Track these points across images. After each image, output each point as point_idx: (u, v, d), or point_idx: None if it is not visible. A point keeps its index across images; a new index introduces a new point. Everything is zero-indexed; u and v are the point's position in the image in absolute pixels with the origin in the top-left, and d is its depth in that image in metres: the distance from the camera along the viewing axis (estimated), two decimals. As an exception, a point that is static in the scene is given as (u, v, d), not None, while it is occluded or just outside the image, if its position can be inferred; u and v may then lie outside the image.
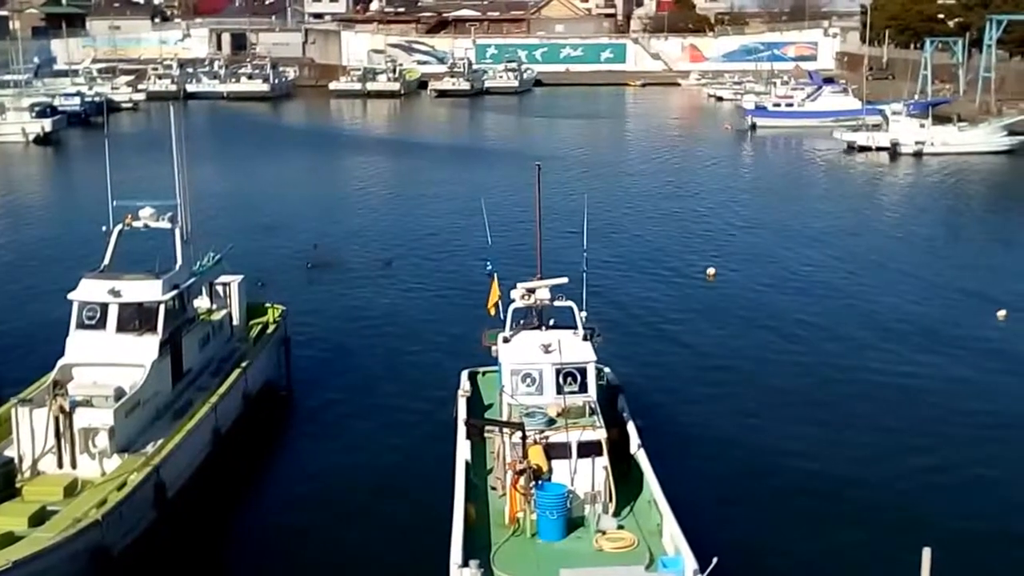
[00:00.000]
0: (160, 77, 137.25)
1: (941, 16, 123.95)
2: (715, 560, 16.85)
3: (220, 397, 25.63)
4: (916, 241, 51.56)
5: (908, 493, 23.95)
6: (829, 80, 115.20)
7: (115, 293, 24.51)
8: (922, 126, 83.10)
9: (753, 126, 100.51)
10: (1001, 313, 37.39)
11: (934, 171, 75.65)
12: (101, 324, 24.47)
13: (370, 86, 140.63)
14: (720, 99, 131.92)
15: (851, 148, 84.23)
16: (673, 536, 18.48)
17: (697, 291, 41.58)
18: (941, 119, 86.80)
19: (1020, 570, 20.87)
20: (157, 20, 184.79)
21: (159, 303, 24.69)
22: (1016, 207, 63.17)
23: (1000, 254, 48.79)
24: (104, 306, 24.51)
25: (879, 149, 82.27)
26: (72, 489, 21.26)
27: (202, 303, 28.69)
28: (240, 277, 30.21)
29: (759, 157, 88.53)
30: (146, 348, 24.19)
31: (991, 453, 26.13)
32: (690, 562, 17.34)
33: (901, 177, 74.74)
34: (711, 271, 43.86)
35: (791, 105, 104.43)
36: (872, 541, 21.64)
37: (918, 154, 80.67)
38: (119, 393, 22.92)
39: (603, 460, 20.23)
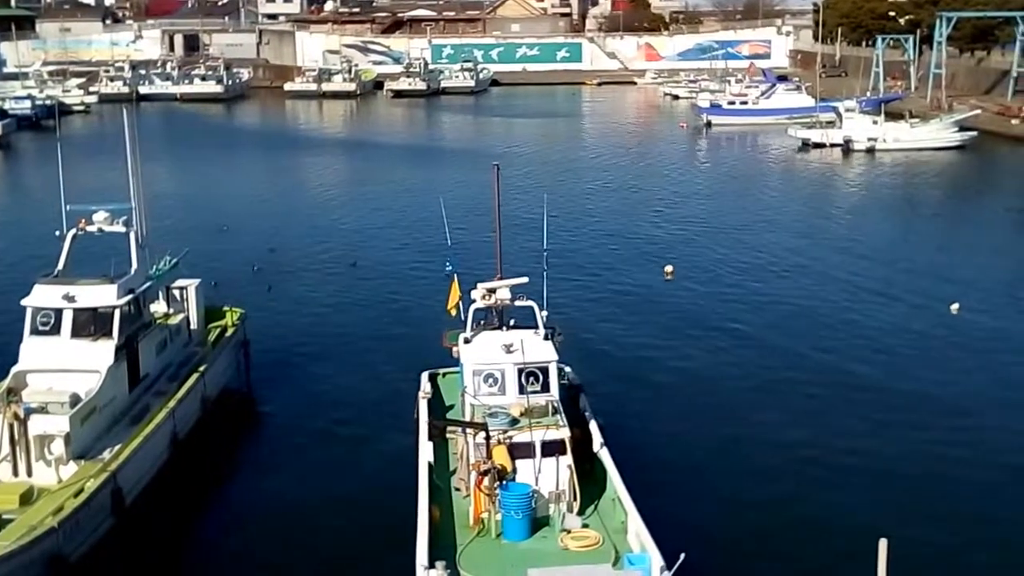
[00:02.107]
0: (112, 79, 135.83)
1: (892, 14, 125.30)
2: (682, 556, 16.86)
3: (178, 402, 25.37)
4: (870, 236, 52.03)
5: (867, 486, 24.16)
6: (783, 78, 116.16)
7: (69, 298, 24.25)
8: (875, 123, 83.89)
9: (708, 124, 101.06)
10: (955, 306, 37.80)
11: (887, 167, 76.50)
12: (55, 330, 24.21)
13: (325, 87, 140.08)
14: (676, 97, 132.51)
15: (805, 145, 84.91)
16: (638, 533, 18.51)
17: (656, 289, 41.71)
18: (893, 116, 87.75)
19: (973, 559, 21.12)
20: (108, 22, 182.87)
21: (114, 308, 24.43)
22: (967, 202, 63.99)
23: (952, 248, 49.37)
24: (58, 311, 24.27)
25: (833, 146, 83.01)
26: (28, 497, 20.94)
27: (159, 307, 28.38)
28: (197, 280, 29.94)
29: (715, 155, 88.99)
30: (102, 353, 23.92)
31: (945, 444, 26.39)
32: (656, 559, 17.37)
33: (854, 173, 75.43)
34: (669, 269, 44.02)
35: (745, 103, 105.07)
36: (833, 533, 21.81)
37: (871, 150, 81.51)
38: (75, 399, 22.67)
39: (567, 459, 20.25)
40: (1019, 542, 21.70)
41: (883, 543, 15.66)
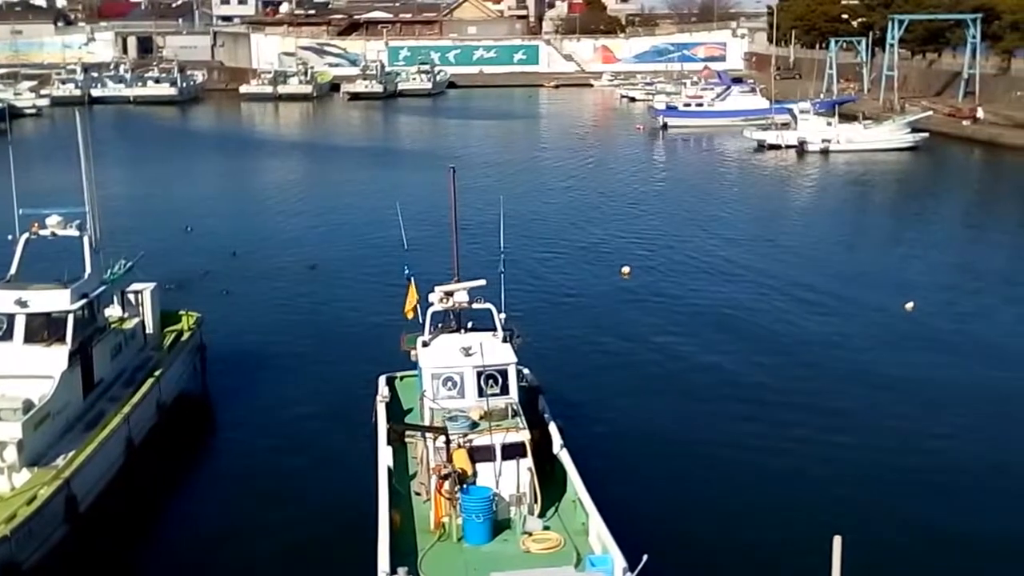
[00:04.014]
0: (64, 82, 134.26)
1: (845, 16, 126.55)
2: (645, 558, 16.88)
3: (133, 407, 25.09)
4: (825, 237, 52.48)
5: (822, 484, 24.35)
6: (738, 80, 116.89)
7: (22, 303, 23.94)
8: (829, 124, 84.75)
9: (665, 126, 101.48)
10: (909, 305, 38.22)
11: (841, 168, 77.26)
12: (8, 335, 23.90)
13: (281, 89, 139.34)
14: (632, 99, 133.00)
15: (761, 146, 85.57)
16: (600, 535, 18.51)
17: (613, 289, 41.82)
18: (847, 117, 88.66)
19: (926, 555, 21.36)
20: (60, 24, 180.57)
21: (68, 312, 24.16)
22: (920, 202, 64.67)
23: (906, 247, 49.88)
24: (11, 317, 23.95)
25: (788, 147, 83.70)
26: (-21, 506, 20.60)
27: (114, 311, 28.09)
28: (152, 284, 29.66)
29: (671, 156, 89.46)
30: (55, 359, 23.63)
31: (901, 441, 26.67)
32: (619, 560, 17.38)
33: (809, 174, 76.08)
34: (626, 269, 44.18)
35: (701, 105, 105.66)
36: (790, 531, 21.92)
37: (825, 152, 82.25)
38: (28, 405, 22.32)
39: (527, 461, 20.23)
40: (972, 538, 21.98)
41: (837, 540, 15.80)
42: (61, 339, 23.96)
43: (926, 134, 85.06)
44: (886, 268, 45.04)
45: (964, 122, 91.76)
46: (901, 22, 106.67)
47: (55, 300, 24.26)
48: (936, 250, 49.37)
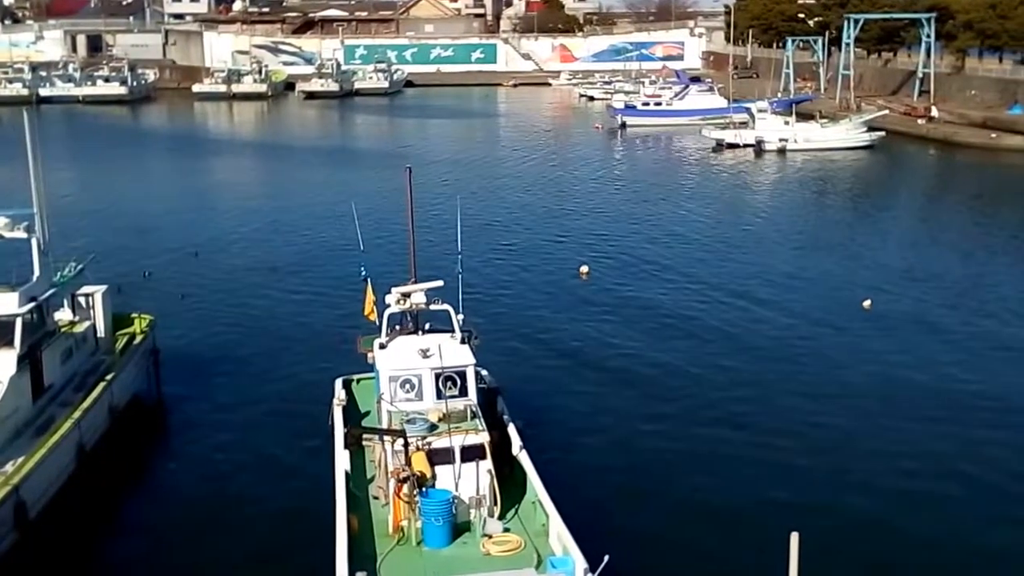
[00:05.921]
0: (11, 81, 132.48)
1: (802, 16, 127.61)
2: (606, 558, 16.75)
3: (84, 412, 24.60)
4: (782, 235, 52.70)
5: (781, 481, 24.33)
6: (696, 79, 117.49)
7: (-32, 307, 23.40)
8: (786, 123, 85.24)
9: (623, 125, 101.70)
10: (866, 303, 38.41)
11: (798, 166, 77.70)
12: (-47, 340, 23.34)
13: (235, 88, 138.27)
14: (591, 99, 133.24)
15: (719, 145, 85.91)
16: (560, 536, 18.37)
17: (571, 289, 41.70)
18: (804, 116, 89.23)
19: (884, 551, 21.38)
20: (7, 22, 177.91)
21: (15, 316, 23.73)
22: (876, 200, 65.15)
23: (863, 245, 50.18)
24: (-44, 321, 23.39)
25: (745, 146, 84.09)
26: (-74, 514, 20.10)
27: (64, 315, 27.58)
28: (104, 287, 29.15)
29: (630, 155, 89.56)
30: (3, 363, 23.17)
31: (857, 439, 26.75)
32: (580, 561, 17.25)
33: (767, 173, 76.45)
34: (584, 269, 44.09)
35: (659, 104, 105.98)
36: (750, 528, 21.90)
37: (782, 151, 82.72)
38: (-26, 412, 21.84)
39: (487, 463, 20.01)
40: (929, 535, 22.05)
41: (795, 537, 15.74)
42: (9, 343, 23.50)
43: (882, 133, 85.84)
44: (843, 266, 45.27)
45: (919, 121, 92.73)
46: (857, 21, 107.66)
47: (2, 303, 23.81)
48: (892, 248, 49.71)
